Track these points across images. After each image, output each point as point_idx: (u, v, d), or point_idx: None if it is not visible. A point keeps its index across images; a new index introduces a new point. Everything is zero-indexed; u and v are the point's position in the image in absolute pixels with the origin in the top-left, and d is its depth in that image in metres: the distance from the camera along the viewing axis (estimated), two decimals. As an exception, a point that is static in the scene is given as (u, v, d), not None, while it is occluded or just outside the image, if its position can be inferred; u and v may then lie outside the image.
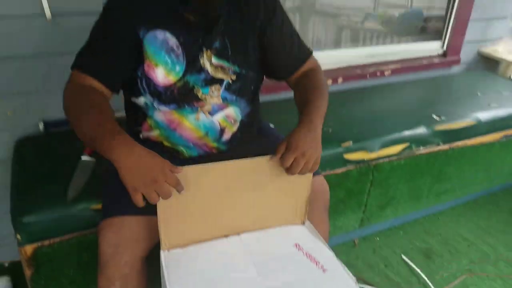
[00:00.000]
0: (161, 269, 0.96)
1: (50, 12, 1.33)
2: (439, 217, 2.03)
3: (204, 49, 1.01)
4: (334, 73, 1.98)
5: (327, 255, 0.98)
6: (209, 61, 1.02)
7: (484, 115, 1.83)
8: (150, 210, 0.94)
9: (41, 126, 1.49)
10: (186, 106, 1.04)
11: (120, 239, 0.98)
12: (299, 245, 1.00)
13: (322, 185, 1.21)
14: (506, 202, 2.17)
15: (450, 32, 2.26)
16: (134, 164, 0.79)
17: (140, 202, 0.81)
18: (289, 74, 1.16)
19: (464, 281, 1.65)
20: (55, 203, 1.14)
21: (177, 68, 1.00)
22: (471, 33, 2.31)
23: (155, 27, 0.97)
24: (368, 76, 2.06)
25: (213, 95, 1.04)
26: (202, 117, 1.06)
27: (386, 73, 2.11)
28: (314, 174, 1.09)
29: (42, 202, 1.14)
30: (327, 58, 1.98)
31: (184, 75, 1.01)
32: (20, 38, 1.34)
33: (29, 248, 1.13)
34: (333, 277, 0.92)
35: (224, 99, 1.07)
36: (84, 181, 1.21)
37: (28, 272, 1.17)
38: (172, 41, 0.98)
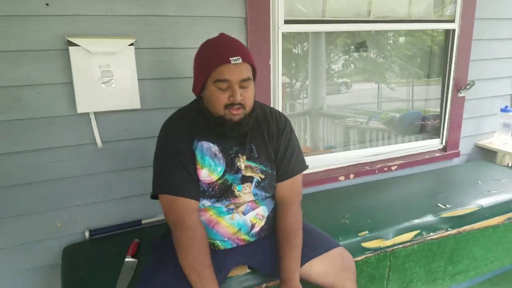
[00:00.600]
0: None
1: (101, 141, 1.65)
2: (459, 299, 2.14)
3: (240, 154, 1.31)
4: (346, 170, 2.26)
5: None
6: (243, 164, 1.31)
7: (485, 201, 2.04)
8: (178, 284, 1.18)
9: (86, 233, 1.70)
10: (224, 208, 1.29)
11: None
12: None
13: (348, 256, 1.44)
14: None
15: (447, 130, 2.57)
16: None
17: None
18: (283, 178, 1.38)
19: None
20: None
21: (219, 169, 1.29)
22: (466, 128, 2.63)
23: (202, 139, 1.28)
24: (376, 171, 2.33)
25: (245, 192, 1.31)
26: (237, 216, 1.32)
27: (393, 168, 2.38)
28: (336, 246, 1.40)
29: None
30: (338, 158, 2.29)
31: (224, 174, 1.29)
32: (74, 163, 1.63)
33: None
34: None
35: (255, 195, 1.33)
36: (129, 279, 1.40)
37: None
38: (215, 148, 1.28)
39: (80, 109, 1.54)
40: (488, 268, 2.18)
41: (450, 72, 2.46)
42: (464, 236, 1.98)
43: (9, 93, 1.48)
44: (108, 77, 1.54)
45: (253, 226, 1.35)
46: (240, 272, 1.43)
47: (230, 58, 1.18)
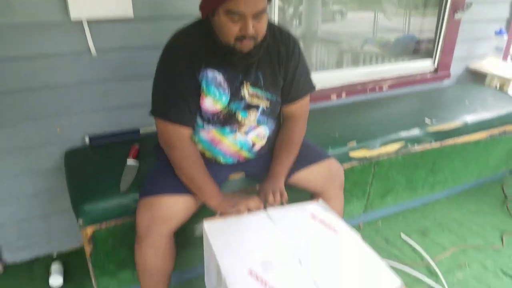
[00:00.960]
0: (204, 236, 1.23)
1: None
2: (435, 205, 2.31)
3: (244, 82, 1.28)
4: (338, 90, 2.31)
5: (336, 221, 1.25)
6: (247, 91, 1.30)
7: (470, 118, 2.13)
8: (181, 190, 1.29)
9: (86, 139, 1.76)
10: (227, 128, 1.33)
11: (153, 216, 1.27)
12: (314, 216, 1.28)
13: (337, 167, 1.53)
14: (493, 189, 2.47)
15: (440, 52, 2.59)
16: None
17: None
18: (289, 101, 1.40)
19: (455, 253, 1.93)
20: (110, 194, 1.42)
21: (223, 98, 1.28)
22: (459, 51, 2.64)
23: (208, 67, 1.24)
24: (368, 90, 2.38)
25: (251, 119, 1.34)
26: (239, 136, 1.36)
27: (384, 88, 2.44)
28: (327, 158, 1.48)
29: (99, 193, 1.41)
30: (331, 77, 2.33)
31: (229, 104, 1.29)
32: (69, 71, 1.65)
33: (89, 230, 1.40)
34: (343, 234, 1.19)
35: (259, 121, 1.36)
36: (132, 178, 1.48)
37: (88, 249, 1.43)
38: (220, 77, 1.25)
39: (73, 14, 1.54)
40: (466, 180, 2.33)
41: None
42: (447, 150, 2.09)
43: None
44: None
45: (253, 144, 1.40)
46: (237, 177, 1.53)
47: None
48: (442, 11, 2.49)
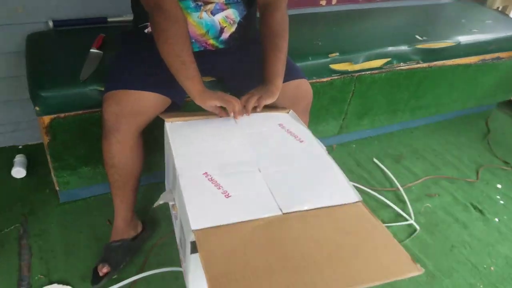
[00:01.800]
0: (165, 136, 1.18)
1: None
2: (413, 131, 2.26)
3: None
4: (329, -6, 2.10)
5: (304, 132, 1.19)
6: None
7: (464, 38, 1.98)
8: (150, 87, 1.17)
9: (50, 23, 1.61)
10: (192, 3, 1.19)
11: (121, 110, 1.16)
12: (282, 125, 1.22)
13: (306, 88, 1.38)
14: (477, 122, 2.42)
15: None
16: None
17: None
18: None
19: (426, 182, 1.92)
20: (69, 82, 1.32)
21: None
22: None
23: None
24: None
25: None
26: (205, 15, 1.23)
27: (379, -5, 2.22)
28: (298, 78, 1.33)
29: (57, 80, 1.32)
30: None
31: None
32: None
33: (46, 119, 1.32)
34: (308, 145, 1.14)
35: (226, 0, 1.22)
36: (94, 68, 1.38)
37: (46, 139, 1.37)
38: None
39: None
40: (450, 108, 2.25)
41: None
42: (434, 71, 1.97)
43: None
44: None
45: (222, 30, 1.28)
46: (206, 80, 1.40)
47: None
48: None
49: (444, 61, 1.96)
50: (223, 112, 1.18)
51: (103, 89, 1.28)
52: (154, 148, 1.34)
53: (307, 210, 0.92)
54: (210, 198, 0.92)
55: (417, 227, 1.66)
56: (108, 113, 1.17)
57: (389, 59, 1.81)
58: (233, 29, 1.30)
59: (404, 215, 1.70)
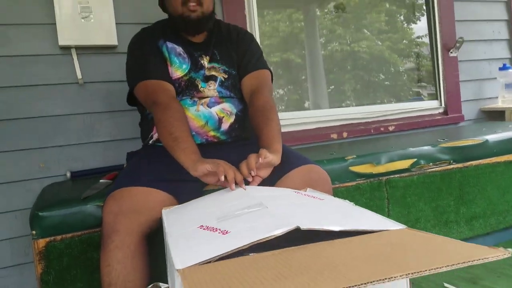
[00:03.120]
0: (163, 227, 0.96)
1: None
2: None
3: (203, 56, 1.35)
4: (338, 129, 2.19)
5: (326, 196, 1.01)
6: (206, 63, 1.35)
7: (491, 137, 1.90)
8: (154, 184, 1.12)
9: (68, 174, 1.68)
10: (188, 100, 1.30)
11: (120, 207, 1.05)
12: (298, 191, 1.05)
13: (319, 171, 1.25)
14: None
15: (444, 91, 2.49)
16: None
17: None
18: (246, 73, 1.39)
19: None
20: (69, 201, 1.26)
21: (184, 66, 1.33)
22: (466, 93, 2.55)
23: (167, 41, 1.34)
24: (372, 131, 2.24)
25: (210, 88, 1.33)
26: (201, 108, 1.31)
27: (390, 128, 2.29)
28: (307, 163, 1.24)
29: (57, 201, 1.27)
30: (328, 115, 2.23)
31: (189, 72, 1.33)
32: (57, 101, 1.67)
33: (41, 242, 1.19)
34: (330, 201, 0.96)
35: (220, 93, 1.34)
36: (98, 190, 1.33)
37: (38, 269, 1.20)
38: (179, 49, 1.34)
39: (61, 41, 1.62)
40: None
41: (436, 31, 2.46)
42: (472, 171, 1.81)
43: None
44: (87, 13, 1.63)
45: (220, 120, 1.31)
46: None
47: None
48: (435, 48, 2.49)
49: (479, 160, 1.82)
50: (222, 181, 1.04)
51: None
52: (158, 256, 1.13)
53: (334, 231, 0.68)
54: (203, 238, 0.72)
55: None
56: (107, 213, 1.06)
57: (414, 159, 1.72)
58: (231, 120, 1.33)
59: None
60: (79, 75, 1.68)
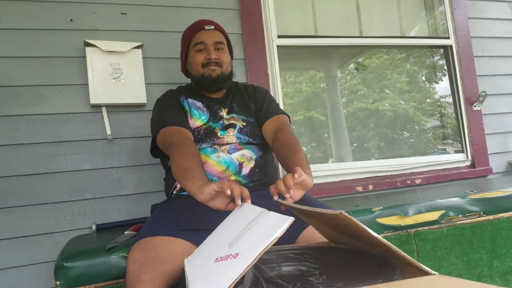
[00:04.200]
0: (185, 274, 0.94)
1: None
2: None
3: (222, 109, 1.44)
4: (363, 181, 2.17)
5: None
6: (224, 114, 1.44)
7: (522, 188, 1.84)
8: (178, 233, 1.13)
9: (93, 227, 1.70)
10: (209, 148, 1.35)
11: (145, 256, 1.06)
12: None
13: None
14: None
15: (470, 144, 2.46)
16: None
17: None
18: (266, 118, 1.44)
19: None
20: (94, 252, 1.26)
21: (203, 117, 1.42)
22: (493, 146, 2.50)
23: (189, 98, 1.45)
24: (398, 184, 2.20)
25: (229, 135, 1.39)
26: (222, 155, 1.36)
27: (417, 181, 2.25)
28: (336, 212, 1.20)
29: (82, 252, 1.27)
30: (353, 167, 2.22)
31: (208, 121, 1.41)
32: (86, 156, 1.75)
33: None
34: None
35: (239, 139, 1.39)
36: (123, 240, 1.34)
37: None
38: (199, 104, 1.45)
39: (93, 100, 1.72)
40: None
41: (458, 87, 2.48)
42: (504, 223, 1.74)
43: (35, 91, 1.72)
44: (118, 74, 1.75)
45: (241, 165, 1.34)
46: None
47: (205, 26, 1.46)
48: (458, 104, 2.49)
49: (510, 212, 1.77)
50: (231, 204, 1.03)
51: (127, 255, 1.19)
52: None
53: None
54: (219, 271, 0.71)
55: None
56: (131, 262, 1.07)
57: (443, 211, 1.67)
58: (251, 164, 1.36)
59: None
60: (108, 131, 1.75)
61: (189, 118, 1.41)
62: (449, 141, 2.62)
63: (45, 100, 1.73)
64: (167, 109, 1.42)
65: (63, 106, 1.74)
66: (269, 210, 1.20)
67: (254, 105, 1.50)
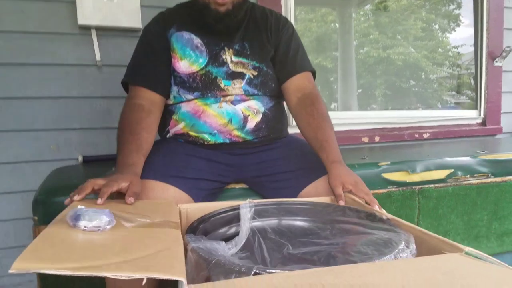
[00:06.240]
0: None
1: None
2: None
3: (226, 49, 1.16)
4: (370, 132, 2.07)
5: None
6: (230, 58, 1.16)
7: (536, 151, 1.75)
8: (168, 179, 1.03)
9: (80, 159, 1.61)
10: (210, 96, 1.14)
11: (140, 199, 0.95)
12: None
13: None
14: None
15: (484, 101, 2.33)
16: None
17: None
18: (288, 76, 1.21)
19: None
20: (75, 186, 1.10)
21: (200, 60, 1.14)
22: (507, 105, 2.38)
23: (182, 30, 1.15)
24: (406, 137, 2.11)
25: (235, 87, 1.15)
26: (225, 105, 1.15)
27: (425, 135, 2.15)
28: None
29: (63, 187, 1.17)
30: (360, 117, 2.10)
31: (206, 65, 1.14)
32: (74, 82, 1.61)
33: (42, 229, 1.08)
34: None
35: (246, 91, 1.16)
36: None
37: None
38: (197, 40, 1.15)
39: (81, 21, 1.54)
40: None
41: (483, 39, 2.30)
42: (510, 186, 1.66)
43: (14, 4, 1.53)
44: (110, -8, 1.56)
45: (246, 119, 1.16)
46: (237, 186, 1.23)
47: None
48: (479, 57, 2.32)
49: (519, 176, 1.69)
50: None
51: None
52: None
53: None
54: None
55: None
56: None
57: (451, 170, 1.59)
58: (258, 118, 1.18)
59: None
60: (98, 57, 1.60)
61: (177, 61, 1.14)
62: (461, 96, 2.49)
63: (29, 17, 1.54)
64: (146, 57, 1.16)
65: (48, 25, 1.56)
66: (279, 160, 1.14)
67: (275, 48, 1.21)
